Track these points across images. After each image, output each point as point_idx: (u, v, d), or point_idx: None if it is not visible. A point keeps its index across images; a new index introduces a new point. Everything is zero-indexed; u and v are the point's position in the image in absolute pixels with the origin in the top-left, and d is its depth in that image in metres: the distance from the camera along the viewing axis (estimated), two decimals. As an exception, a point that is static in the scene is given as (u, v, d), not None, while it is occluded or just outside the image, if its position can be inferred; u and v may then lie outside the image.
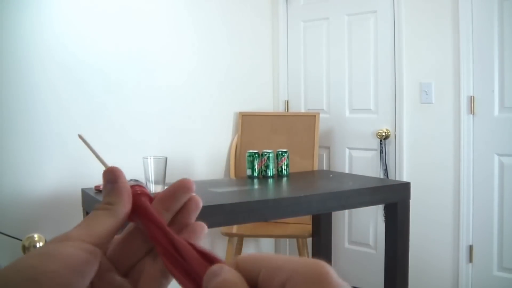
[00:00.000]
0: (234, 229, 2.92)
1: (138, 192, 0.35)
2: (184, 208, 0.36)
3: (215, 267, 0.28)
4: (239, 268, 0.28)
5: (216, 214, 1.84)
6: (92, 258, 0.30)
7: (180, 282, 0.31)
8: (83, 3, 2.79)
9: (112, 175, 0.34)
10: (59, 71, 2.71)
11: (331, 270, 0.26)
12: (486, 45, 2.63)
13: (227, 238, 2.99)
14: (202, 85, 3.26)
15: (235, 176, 3.19)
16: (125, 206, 0.33)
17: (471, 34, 2.67)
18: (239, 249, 3.06)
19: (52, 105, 2.70)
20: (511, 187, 2.60)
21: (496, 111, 2.64)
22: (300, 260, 0.27)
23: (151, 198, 0.36)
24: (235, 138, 3.33)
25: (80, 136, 0.39)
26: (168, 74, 3.12)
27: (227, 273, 0.28)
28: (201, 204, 0.36)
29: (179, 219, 0.36)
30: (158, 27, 3.08)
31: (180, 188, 0.35)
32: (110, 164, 0.35)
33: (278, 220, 2.98)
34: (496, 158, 2.65)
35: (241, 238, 3.04)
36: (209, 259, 0.31)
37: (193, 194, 0.36)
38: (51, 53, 2.69)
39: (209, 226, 0.38)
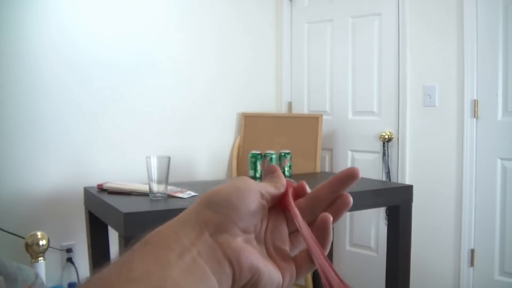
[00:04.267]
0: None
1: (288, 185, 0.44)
2: (334, 204, 0.43)
3: None
4: None
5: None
6: (263, 206, 0.40)
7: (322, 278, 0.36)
8: (91, 2, 2.80)
9: (273, 168, 0.45)
10: (63, 71, 2.72)
11: None
12: (491, 49, 2.63)
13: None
14: (205, 85, 3.27)
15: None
16: (282, 185, 0.43)
17: (476, 37, 2.67)
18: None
19: (54, 104, 2.70)
20: (514, 191, 2.60)
21: (499, 115, 2.63)
22: None
23: (294, 190, 0.44)
24: (238, 139, 3.33)
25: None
26: (172, 74, 3.13)
27: None
28: (351, 202, 0.43)
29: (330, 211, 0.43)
30: (163, 27, 3.09)
31: (349, 174, 0.42)
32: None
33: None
34: (499, 162, 2.64)
35: (242, 238, 3.04)
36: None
37: (346, 192, 0.43)
38: (54, 55, 2.69)
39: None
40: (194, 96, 3.21)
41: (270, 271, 0.38)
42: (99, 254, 2.14)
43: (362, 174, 0.42)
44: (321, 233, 0.40)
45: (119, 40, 2.91)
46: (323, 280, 0.36)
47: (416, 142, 2.94)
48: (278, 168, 0.45)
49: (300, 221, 0.40)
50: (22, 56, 2.59)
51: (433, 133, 2.86)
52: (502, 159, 2.63)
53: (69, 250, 2.73)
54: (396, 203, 2.24)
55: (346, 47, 3.24)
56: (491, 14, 2.61)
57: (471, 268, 2.73)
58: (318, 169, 3.06)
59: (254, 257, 0.37)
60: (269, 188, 0.41)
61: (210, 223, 0.36)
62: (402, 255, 2.21)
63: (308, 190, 0.44)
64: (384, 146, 3.03)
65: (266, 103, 3.55)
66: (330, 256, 2.82)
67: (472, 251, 2.73)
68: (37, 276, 0.87)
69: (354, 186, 0.43)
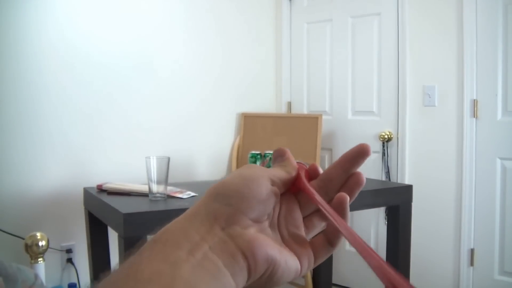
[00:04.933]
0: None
1: (298, 166, 0.43)
2: (347, 183, 0.42)
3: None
4: None
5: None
6: (274, 193, 0.39)
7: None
8: (89, 2, 2.79)
9: (282, 151, 0.43)
10: (63, 71, 2.72)
11: None
12: (490, 49, 2.63)
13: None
14: (205, 86, 3.26)
15: (237, 177, 3.19)
16: (293, 168, 0.42)
17: (475, 37, 2.67)
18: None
19: (54, 104, 2.70)
20: (514, 191, 2.60)
21: (499, 115, 2.63)
22: None
23: (307, 172, 0.43)
24: (237, 139, 3.33)
25: None
26: (172, 75, 3.13)
27: None
28: (364, 180, 0.41)
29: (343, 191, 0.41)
30: (163, 28, 3.08)
31: (359, 151, 0.41)
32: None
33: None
34: (498, 162, 2.64)
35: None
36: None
37: (358, 170, 0.42)
38: (54, 57, 2.69)
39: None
40: (194, 97, 3.21)
41: (286, 259, 0.37)
42: (99, 254, 2.13)
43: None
44: (338, 214, 0.39)
45: (119, 41, 2.91)
46: (358, 249, 0.35)
47: (415, 142, 2.94)
48: (287, 150, 0.43)
49: (320, 200, 0.39)
50: (21, 58, 2.59)
51: (433, 133, 2.86)
52: (501, 158, 2.64)
53: (69, 251, 2.73)
54: (396, 203, 2.24)
55: (346, 47, 3.23)
56: (491, 14, 2.61)
57: (471, 268, 2.73)
58: (317, 169, 3.05)
59: (269, 247, 0.36)
60: (279, 173, 0.40)
61: (220, 217, 0.35)
62: (402, 255, 2.21)
63: (321, 171, 0.43)
64: (383, 146, 3.03)
65: (266, 103, 3.55)
66: (330, 256, 2.81)
67: (472, 250, 2.73)
68: (36, 277, 0.87)
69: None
